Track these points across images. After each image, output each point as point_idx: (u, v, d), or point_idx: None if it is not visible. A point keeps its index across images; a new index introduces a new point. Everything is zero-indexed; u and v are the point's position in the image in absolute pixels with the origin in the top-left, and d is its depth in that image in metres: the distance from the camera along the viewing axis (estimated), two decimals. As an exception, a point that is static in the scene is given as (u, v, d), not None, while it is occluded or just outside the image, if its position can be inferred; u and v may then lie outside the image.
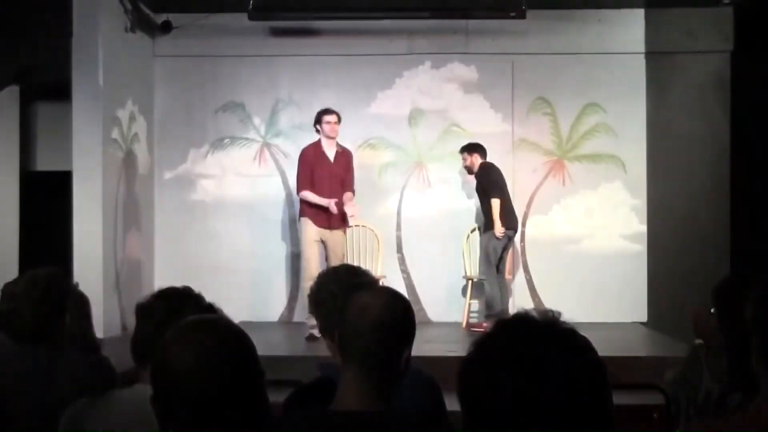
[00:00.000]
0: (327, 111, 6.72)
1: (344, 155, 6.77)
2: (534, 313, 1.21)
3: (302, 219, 6.67)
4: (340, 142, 6.84)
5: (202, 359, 1.46)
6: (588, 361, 1.15)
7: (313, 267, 6.39)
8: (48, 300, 2.54)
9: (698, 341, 3.05)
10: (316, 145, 6.71)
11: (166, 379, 1.47)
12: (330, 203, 6.48)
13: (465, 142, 7.34)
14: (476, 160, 7.02)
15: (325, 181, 6.61)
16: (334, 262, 6.39)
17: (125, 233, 7.18)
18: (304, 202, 6.64)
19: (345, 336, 1.77)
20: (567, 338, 1.16)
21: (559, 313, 1.21)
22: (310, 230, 6.56)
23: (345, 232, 6.80)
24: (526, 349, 1.13)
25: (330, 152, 6.68)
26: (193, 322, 1.56)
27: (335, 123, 6.65)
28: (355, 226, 7.65)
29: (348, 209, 6.53)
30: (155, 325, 1.98)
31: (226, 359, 1.48)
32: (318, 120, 6.70)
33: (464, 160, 7.12)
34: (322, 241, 6.60)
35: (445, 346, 6.12)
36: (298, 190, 6.68)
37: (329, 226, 6.58)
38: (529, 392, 1.10)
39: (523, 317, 1.19)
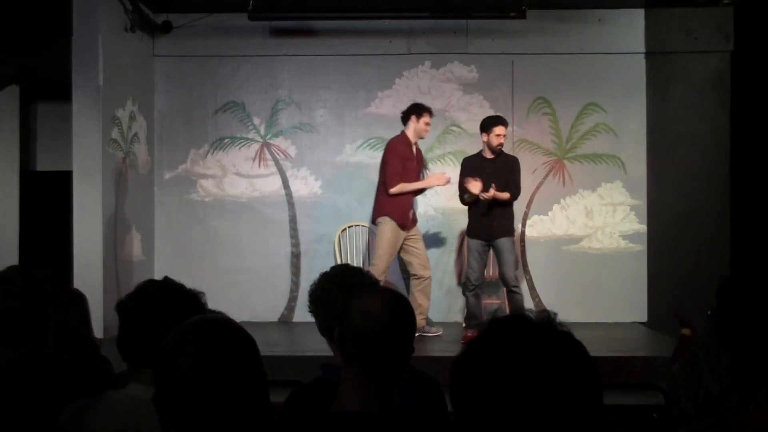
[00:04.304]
0: (430, 111, 6.55)
1: (419, 151, 6.77)
2: (530, 314, 1.20)
3: (382, 218, 6.46)
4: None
5: (206, 359, 1.46)
6: (580, 364, 1.14)
7: (383, 266, 6.41)
8: (26, 298, 2.48)
9: (685, 331, 3.07)
10: (407, 140, 6.53)
11: (169, 378, 1.47)
12: (439, 177, 6.58)
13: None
14: None
15: (412, 176, 6.54)
16: (416, 259, 6.51)
17: (125, 233, 7.17)
18: (388, 201, 6.44)
19: (347, 338, 1.76)
20: (560, 341, 1.15)
21: (555, 314, 1.20)
22: (393, 229, 6.44)
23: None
24: (519, 350, 1.13)
25: (413, 148, 6.61)
26: (197, 322, 1.55)
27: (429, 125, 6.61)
28: (356, 225, 7.66)
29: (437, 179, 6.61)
30: (142, 326, 1.95)
31: (230, 360, 1.48)
32: (418, 113, 6.48)
33: (505, 136, 6.44)
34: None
35: (445, 346, 6.13)
36: (393, 184, 6.40)
37: (408, 227, 6.54)
38: (519, 393, 1.09)
39: (518, 318, 1.19)
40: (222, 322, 1.56)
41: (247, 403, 1.48)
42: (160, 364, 1.49)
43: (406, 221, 6.50)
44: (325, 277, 2.54)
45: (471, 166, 6.41)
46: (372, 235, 6.81)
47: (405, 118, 6.54)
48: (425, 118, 6.48)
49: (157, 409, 1.49)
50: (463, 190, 6.38)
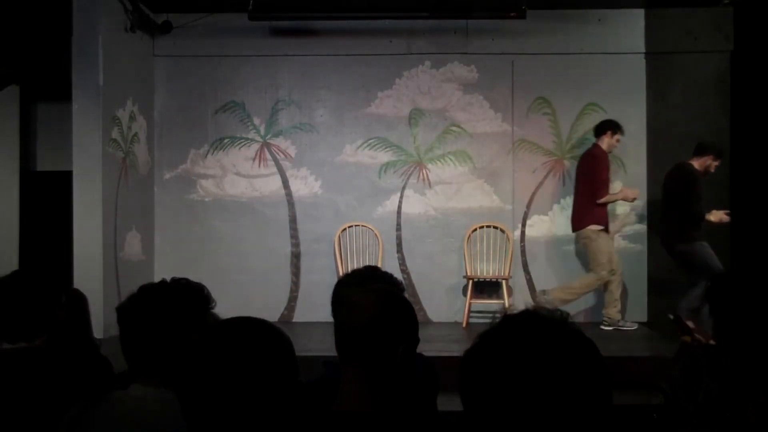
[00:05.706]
0: (623, 130, 7.01)
1: None
2: (541, 311, 1.20)
3: (594, 226, 6.81)
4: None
5: (242, 359, 1.45)
6: (590, 362, 1.14)
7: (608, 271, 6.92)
8: (25, 298, 2.49)
9: (685, 338, 3.07)
10: (605, 152, 6.95)
11: (200, 376, 1.46)
12: (633, 192, 7.07)
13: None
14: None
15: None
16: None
17: (125, 233, 7.18)
18: (597, 209, 6.82)
19: (338, 336, 1.77)
20: (571, 337, 1.15)
21: (567, 314, 1.21)
22: (606, 236, 6.91)
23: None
24: (530, 346, 1.13)
25: None
26: (231, 321, 1.55)
27: None
28: (356, 226, 7.66)
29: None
30: (140, 331, 1.95)
31: (265, 360, 1.47)
32: (613, 130, 6.94)
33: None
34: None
35: (445, 346, 6.12)
36: (603, 194, 6.83)
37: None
38: (529, 389, 1.09)
39: (529, 314, 1.19)
40: (256, 323, 1.56)
41: (277, 406, 1.47)
42: (189, 362, 1.49)
43: (608, 227, 6.99)
44: (344, 278, 2.54)
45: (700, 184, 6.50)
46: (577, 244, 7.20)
47: (600, 131, 6.98)
48: (618, 135, 6.96)
49: (182, 406, 1.49)
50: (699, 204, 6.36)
